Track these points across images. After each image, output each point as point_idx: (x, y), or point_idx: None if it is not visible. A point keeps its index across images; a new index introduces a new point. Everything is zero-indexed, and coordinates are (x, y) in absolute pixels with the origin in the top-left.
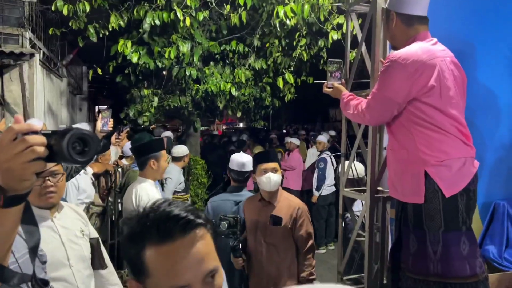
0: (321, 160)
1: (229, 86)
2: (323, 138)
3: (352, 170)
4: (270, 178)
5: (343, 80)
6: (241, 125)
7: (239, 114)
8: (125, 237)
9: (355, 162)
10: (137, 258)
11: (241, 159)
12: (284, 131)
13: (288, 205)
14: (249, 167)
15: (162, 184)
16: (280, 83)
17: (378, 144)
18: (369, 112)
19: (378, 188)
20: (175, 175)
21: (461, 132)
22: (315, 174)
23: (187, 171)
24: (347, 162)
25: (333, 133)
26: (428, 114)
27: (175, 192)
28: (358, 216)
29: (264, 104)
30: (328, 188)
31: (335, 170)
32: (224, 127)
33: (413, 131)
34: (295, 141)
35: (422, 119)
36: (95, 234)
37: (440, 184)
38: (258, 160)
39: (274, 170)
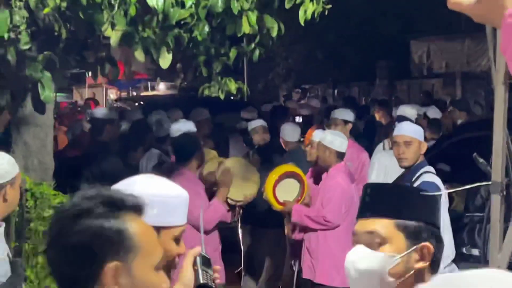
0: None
1: None
2: (407, 127)
3: None
4: (353, 264)
5: None
6: (161, 87)
7: (165, 62)
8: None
9: None
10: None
11: None
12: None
13: None
14: None
15: None
16: None
17: None
18: None
19: None
20: None
21: None
22: None
23: (18, 228)
24: None
25: (432, 112)
26: None
27: None
28: None
29: (241, 34)
30: (441, 273)
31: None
32: (115, 95)
33: None
34: (336, 138)
35: None
36: None
37: None
38: None
39: (373, 240)
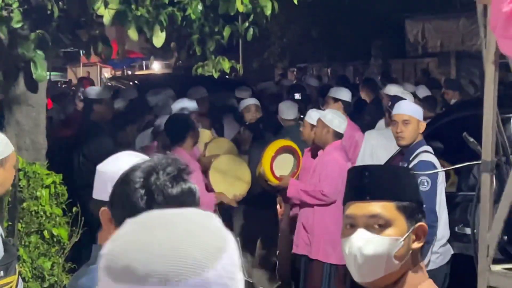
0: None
1: None
2: (406, 106)
3: None
4: (359, 250)
5: None
6: (156, 66)
7: (159, 40)
8: None
9: None
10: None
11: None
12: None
13: None
14: None
15: None
16: None
17: None
18: None
19: None
20: None
21: None
22: None
23: (11, 208)
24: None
25: (422, 91)
26: None
27: None
28: None
29: (234, 13)
30: (437, 252)
31: (454, 200)
32: (110, 73)
33: None
34: (336, 118)
35: None
36: None
37: None
38: None
39: (375, 223)
